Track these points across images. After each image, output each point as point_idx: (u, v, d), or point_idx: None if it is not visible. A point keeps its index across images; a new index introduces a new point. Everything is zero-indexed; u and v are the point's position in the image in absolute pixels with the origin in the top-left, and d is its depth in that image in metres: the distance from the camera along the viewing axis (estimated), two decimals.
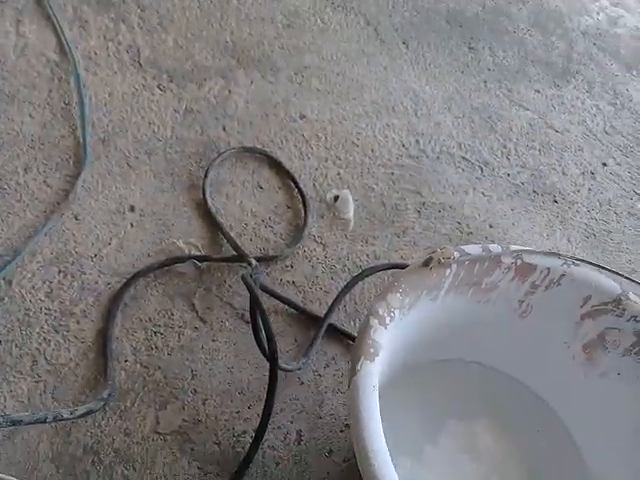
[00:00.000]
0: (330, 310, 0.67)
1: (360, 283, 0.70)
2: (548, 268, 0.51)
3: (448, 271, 0.50)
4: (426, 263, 0.49)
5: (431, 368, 0.59)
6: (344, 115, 0.88)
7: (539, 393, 0.60)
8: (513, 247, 0.51)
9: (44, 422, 0.49)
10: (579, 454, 0.57)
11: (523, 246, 0.52)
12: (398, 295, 0.47)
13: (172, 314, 0.65)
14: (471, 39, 1.06)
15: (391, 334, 0.46)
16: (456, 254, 0.49)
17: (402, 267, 0.68)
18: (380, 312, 0.46)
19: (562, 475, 0.56)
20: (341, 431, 0.60)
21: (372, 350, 0.44)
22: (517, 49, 1.07)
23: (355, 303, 0.69)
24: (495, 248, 0.51)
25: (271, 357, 0.56)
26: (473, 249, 0.50)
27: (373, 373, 0.43)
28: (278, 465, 0.57)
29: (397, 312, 0.47)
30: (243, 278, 0.58)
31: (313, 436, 0.59)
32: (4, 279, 0.65)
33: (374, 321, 0.45)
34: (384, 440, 0.39)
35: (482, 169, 0.85)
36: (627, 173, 0.91)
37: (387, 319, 0.46)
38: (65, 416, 0.50)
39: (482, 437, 0.56)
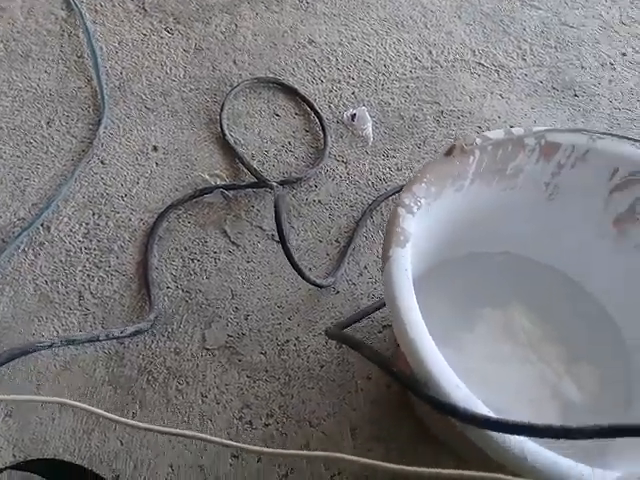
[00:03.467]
0: (357, 225, 0.68)
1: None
2: (573, 145, 0.50)
3: (472, 158, 0.49)
4: (449, 152, 0.49)
5: (459, 263, 0.60)
6: (353, 36, 0.87)
7: (572, 276, 0.60)
8: (536, 128, 0.51)
9: (97, 340, 0.51)
10: (617, 331, 0.57)
11: (545, 126, 0.52)
12: (423, 185, 0.47)
13: (206, 241, 0.67)
14: None
15: (419, 224, 0.47)
16: (478, 140, 0.49)
17: None
18: (407, 202, 0.47)
19: (601, 352, 0.56)
20: (379, 332, 0.62)
21: (402, 238, 0.45)
22: None
23: (382, 215, 0.70)
24: (517, 130, 0.50)
25: None
26: (495, 134, 0.50)
27: (405, 257, 0.44)
28: (323, 367, 0.59)
29: (423, 201, 0.47)
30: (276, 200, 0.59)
31: None
32: (42, 225, 0.67)
33: (402, 210, 0.46)
34: (419, 312, 0.41)
35: (498, 72, 0.84)
36: None
37: (414, 208, 0.46)
38: (116, 334, 0.52)
39: (519, 322, 0.57)
